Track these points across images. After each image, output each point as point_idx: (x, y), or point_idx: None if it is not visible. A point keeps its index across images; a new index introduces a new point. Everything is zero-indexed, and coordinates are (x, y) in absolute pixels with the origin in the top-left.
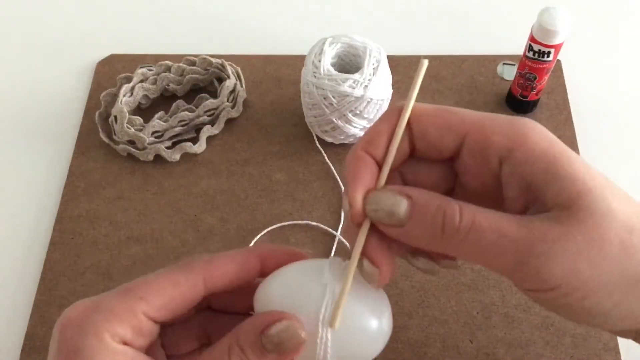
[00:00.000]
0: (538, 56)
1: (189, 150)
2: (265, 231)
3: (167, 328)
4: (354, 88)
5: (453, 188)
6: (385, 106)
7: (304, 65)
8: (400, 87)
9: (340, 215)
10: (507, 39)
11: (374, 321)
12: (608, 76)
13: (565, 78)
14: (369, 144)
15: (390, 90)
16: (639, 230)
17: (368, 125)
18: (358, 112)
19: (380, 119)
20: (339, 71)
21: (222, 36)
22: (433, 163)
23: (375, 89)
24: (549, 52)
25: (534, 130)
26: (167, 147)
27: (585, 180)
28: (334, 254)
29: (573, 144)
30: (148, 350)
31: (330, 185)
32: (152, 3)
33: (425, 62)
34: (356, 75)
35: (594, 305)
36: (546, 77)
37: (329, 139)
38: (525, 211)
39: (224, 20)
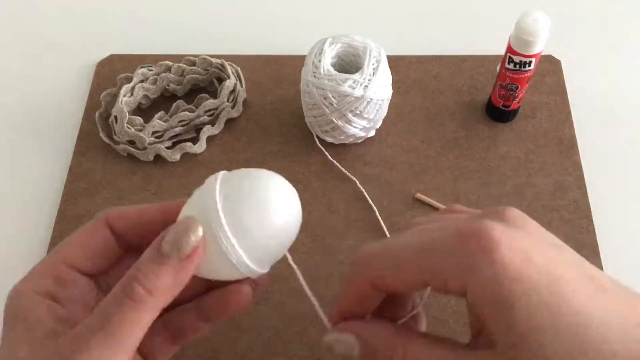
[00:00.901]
0: (519, 67)
1: (189, 150)
2: None
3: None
4: (354, 88)
5: None
6: (385, 106)
7: (304, 65)
8: (400, 87)
9: (341, 215)
10: (507, 39)
11: (277, 206)
12: (608, 76)
13: (565, 78)
14: (343, 313)
15: (390, 91)
16: None
17: (368, 125)
18: (358, 112)
19: (345, 289)
20: (339, 71)
21: (222, 36)
22: None
23: (375, 89)
24: (530, 62)
25: (482, 270)
26: (167, 147)
27: (524, 328)
28: (333, 253)
29: (573, 144)
30: (84, 306)
31: (331, 185)
32: (152, 3)
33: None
34: (356, 75)
35: None
36: (527, 85)
37: (329, 139)
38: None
39: (224, 20)
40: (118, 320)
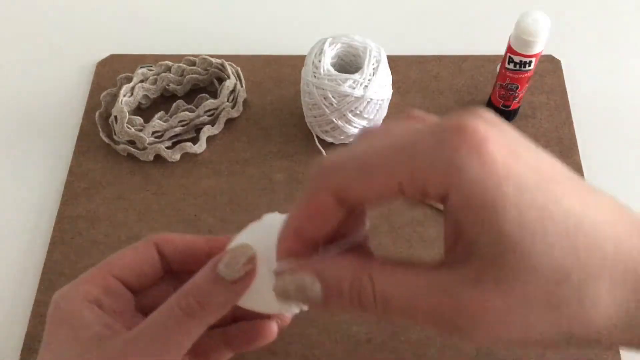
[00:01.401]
0: (519, 67)
1: (189, 150)
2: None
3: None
4: (354, 88)
5: None
6: (385, 106)
7: (304, 65)
8: (400, 87)
9: None
10: (507, 39)
11: None
12: (608, 76)
13: (565, 78)
14: (297, 233)
15: (390, 91)
16: (573, 275)
17: (368, 125)
18: (358, 112)
19: (303, 201)
20: (339, 71)
21: (222, 36)
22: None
23: (375, 89)
24: (530, 62)
25: (468, 167)
26: (167, 147)
27: (512, 232)
28: None
29: (573, 144)
30: (124, 317)
31: None
32: (152, 3)
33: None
34: (356, 76)
35: (537, 350)
36: (527, 85)
37: (329, 139)
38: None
39: (225, 20)
40: (170, 330)
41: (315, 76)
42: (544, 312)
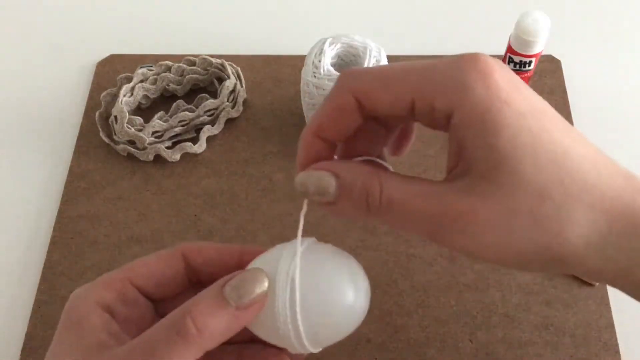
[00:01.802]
0: (519, 67)
1: (189, 150)
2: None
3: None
4: None
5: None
6: None
7: (304, 65)
8: None
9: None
10: (507, 39)
11: (347, 291)
12: (608, 76)
13: (565, 78)
14: (319, 129)
15: None
16: (556, 196)
17: None
18: None
19: (328, 104)
20: (339, 71)
21: (222, 36)
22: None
23: None
24: (530, 62)
25: (474, 91)
26: (167, 147)
27: (505, 150)
28: None
29: None
30: (139, 327)
31: None
32: (152, 3)
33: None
34: None
35: (505, 261)
36: (528, 84)
37: None
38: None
39: (224, 20)
40: (161, 352)
41: (315, 76)
42: (527, 224)
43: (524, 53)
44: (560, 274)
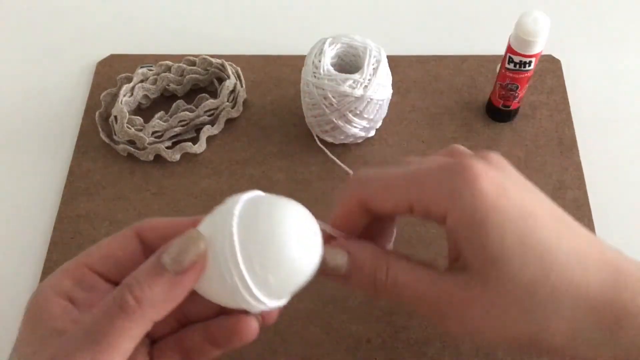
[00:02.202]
0: (519, 67)
1: (189, 150)
2: None
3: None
4: (354, 88)
5: None
6: (385, 106)
7: (304, 65)
8: (400, 87)
9: None
10: (507, 39)
11: (289, 237)
12: (608, 76)
13: (565, 78)
14: (334, 224)
15: (390, 91)
16: (542, 291)
17: (368, 125)
18: (358, 112)
19: (339, 204)
20: (339, 71)
21: (222, 36)
22: None
23: (375, 89)
24: (530, 62)
25: (462, 197)
26: (167, 147)
27: (494, 251)
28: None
29: (573, 144)
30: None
31: (331, 185)
32: (152, 3)
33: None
34: (356, 75)
35: (501, 345)
36: (527, 85)
37: (329, 139)
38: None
39: (224, 20)
40: (105, 329)
41: (315, 76)
42: (517, 316)
43: (524, 53)
44: None
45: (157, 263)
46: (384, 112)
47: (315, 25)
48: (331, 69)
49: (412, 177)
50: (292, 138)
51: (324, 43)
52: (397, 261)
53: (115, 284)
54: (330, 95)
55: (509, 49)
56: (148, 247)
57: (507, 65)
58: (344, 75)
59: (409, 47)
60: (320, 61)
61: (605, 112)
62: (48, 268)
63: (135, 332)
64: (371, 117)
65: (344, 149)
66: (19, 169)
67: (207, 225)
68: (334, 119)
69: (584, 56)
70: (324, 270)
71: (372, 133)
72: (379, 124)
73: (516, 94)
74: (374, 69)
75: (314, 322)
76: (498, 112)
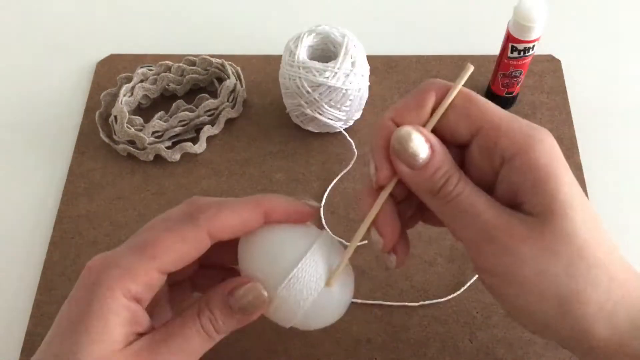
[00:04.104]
0: (523, 53)
1: (189, 150)
2: None
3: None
4: (327, 78)
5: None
6: (363, 97)
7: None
8: (400, 87)
9: (340, 216)
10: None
11: (339, 289)
12: (608, 76)
13: (565, 78)
14: (398, 116)
15: (367, 82)
16: (590, 259)
17: (344, 117)
18: (333, 103)
19: (411, 95)
20: (319, 60)
21: (222, 36)
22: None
23: (350, 79)
24: (532, 46)
25: (542, 144)
26: (167, 147)
27: (564, 203)
28: None
29: (573, 144)
30: (154, 303)
31: (331, 185)
32: (152, 3)
33: (471, 68)
34: (330, 65)
35: (525, 307)
36: (525, 72)
37: (310, 129)
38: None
39: (224, 20)
40: (194, 347)
41: (290, 65)
42: (563, 269)
43: (526, 39)
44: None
45: (227, 304)
46: (360, 102)
47: (315, 25)
48: (306, 58)
49: (497, 107)
50: (292, 138)
51: (303, 33)
52: (467, 178)
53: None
54: (305, 85)
55: (511, 39)
56: (216, 242)
57: (509, 55)
58: (318, 64)
59: (409, 47)
60: (296, 51)
61: (605, 112)
62: (48, 268)
63: (210, 347)
64: (346, 107)
65: (344, 149)
66: (19, 169)
67: (283, 275)
68: (309, 111)
69: (584, 56)
70: (402, 155)
71: (350, 123)
72: (358, 114)
73: (520, 79)
74: (350, 58)
75: None
76: (500, 100)
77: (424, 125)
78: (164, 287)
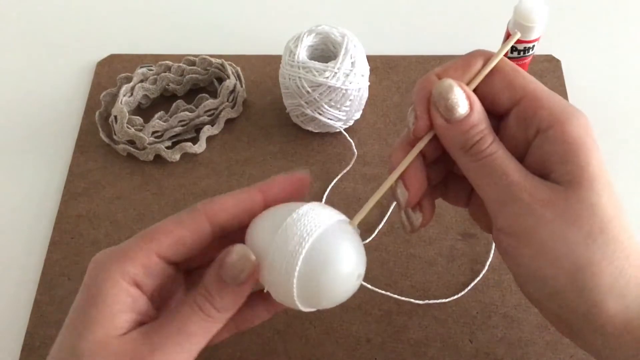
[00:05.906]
0: (522, 53)
1: (189, 150)
2: None
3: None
4: (327, 77)
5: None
6: (363, 96)
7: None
8: (400, 87)
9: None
10: (498, 41)
11: (346, 265)
12: (608, 76)
13: (565, 78)
14: (443, 72)
15: (367, 83)
16: (610, 233)
17: (343, 117)
18: (333, 102)
19: (460, 58)
20: (319, 60)
21: (222, 36)
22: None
23: (350, 79)
24: (533, 46)
25: (578, 120)
26: (167, 147)
27: (593, 175)
28: None
29: None
30: (166, 293)
31: (331, 185)
32: (152, 3)
33: (518, 34)
34: (330, 65)
35: (538, 271)
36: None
37: (310, 128)
38: None
39: (224, 20)
40: (193, 329)
41: (290, 65)
42: (583, 239)
43: (527, 39)
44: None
45: (220, 278)
46: (361, 102)
47: (314, 26)
48: (306, 58)
49: (540, 84)
50: (292, 138)
51: (303, 33)
52: (501, 143)
53: (176, 263)
54: (305, 84)
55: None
56: (216, 227)
57: (510, 55)
58: (318, 64)
59: (409, 47)
60: (296, 50)
61: (605, 112)
62: (48, 268)
63: (215, 330)
64: (346, 106)
65: (344, 149)
66: (19, 168)
67: (276, 231)
68: (309, 111)
69: (584, 56)
70: (441, 105)
71: (350, 123)
72: (358, 114)
73: None
74: (350, 58)
75: (314, 322)
76: None
77: (467, 84)
78: (182, 287)
